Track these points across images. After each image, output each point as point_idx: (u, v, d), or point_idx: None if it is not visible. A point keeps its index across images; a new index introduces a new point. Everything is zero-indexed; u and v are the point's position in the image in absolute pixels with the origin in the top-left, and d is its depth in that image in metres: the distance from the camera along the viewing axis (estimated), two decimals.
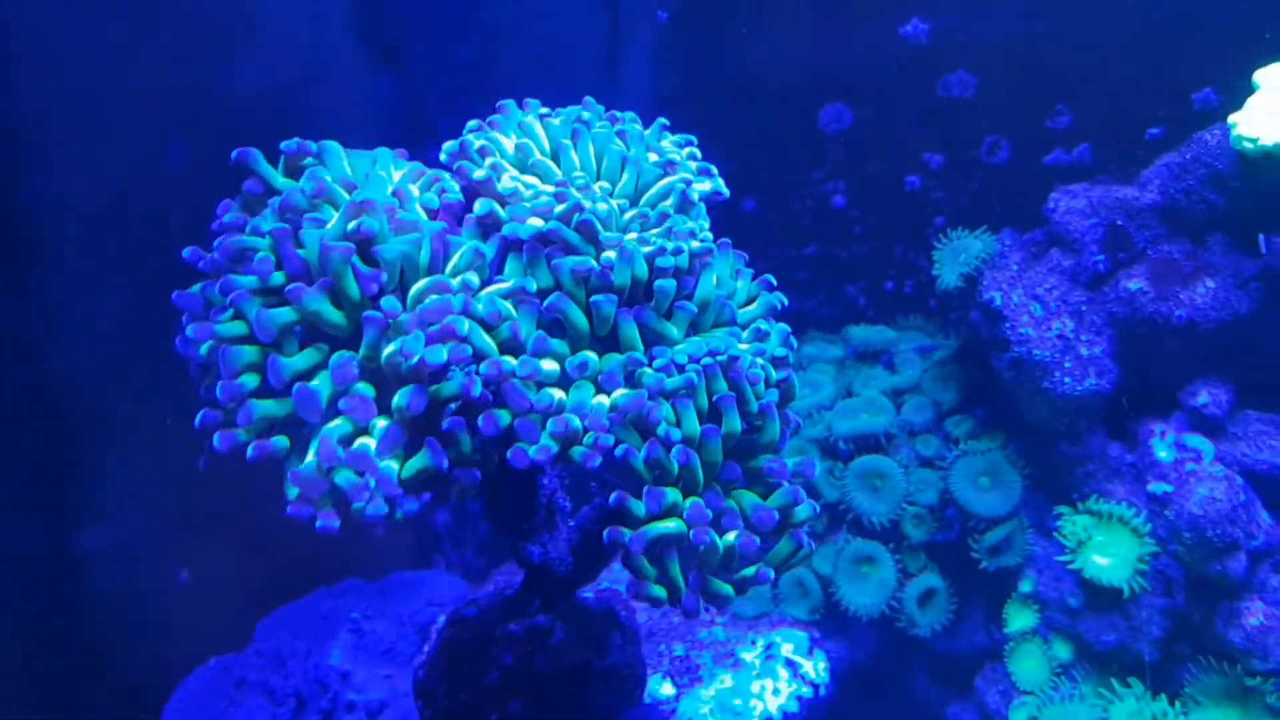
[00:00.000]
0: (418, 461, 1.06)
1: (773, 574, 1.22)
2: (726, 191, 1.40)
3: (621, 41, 2.61)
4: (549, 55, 2.88)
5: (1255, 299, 1.87)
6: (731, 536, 1.21)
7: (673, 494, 1.15)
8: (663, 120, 1.43)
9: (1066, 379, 1.89)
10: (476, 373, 1.07)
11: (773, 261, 2.59)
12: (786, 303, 1.38)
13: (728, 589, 1.23)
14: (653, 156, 1.33)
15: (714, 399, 1.19)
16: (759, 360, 1.25)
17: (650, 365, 1.19)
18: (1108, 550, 1.88)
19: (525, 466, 1.09)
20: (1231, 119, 1.80)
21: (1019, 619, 1.94)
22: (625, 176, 1.30)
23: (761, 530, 1.22)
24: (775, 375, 1.26)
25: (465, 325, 1.08)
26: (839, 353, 2.44)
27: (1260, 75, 1.82)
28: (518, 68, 2.93)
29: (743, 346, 1.26)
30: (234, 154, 1.21)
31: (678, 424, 1.16)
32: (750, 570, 1.23)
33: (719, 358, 1.20)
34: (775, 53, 2.44)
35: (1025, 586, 1.96)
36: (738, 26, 2.42)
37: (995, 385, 2.02)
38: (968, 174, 2.44)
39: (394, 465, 1.06)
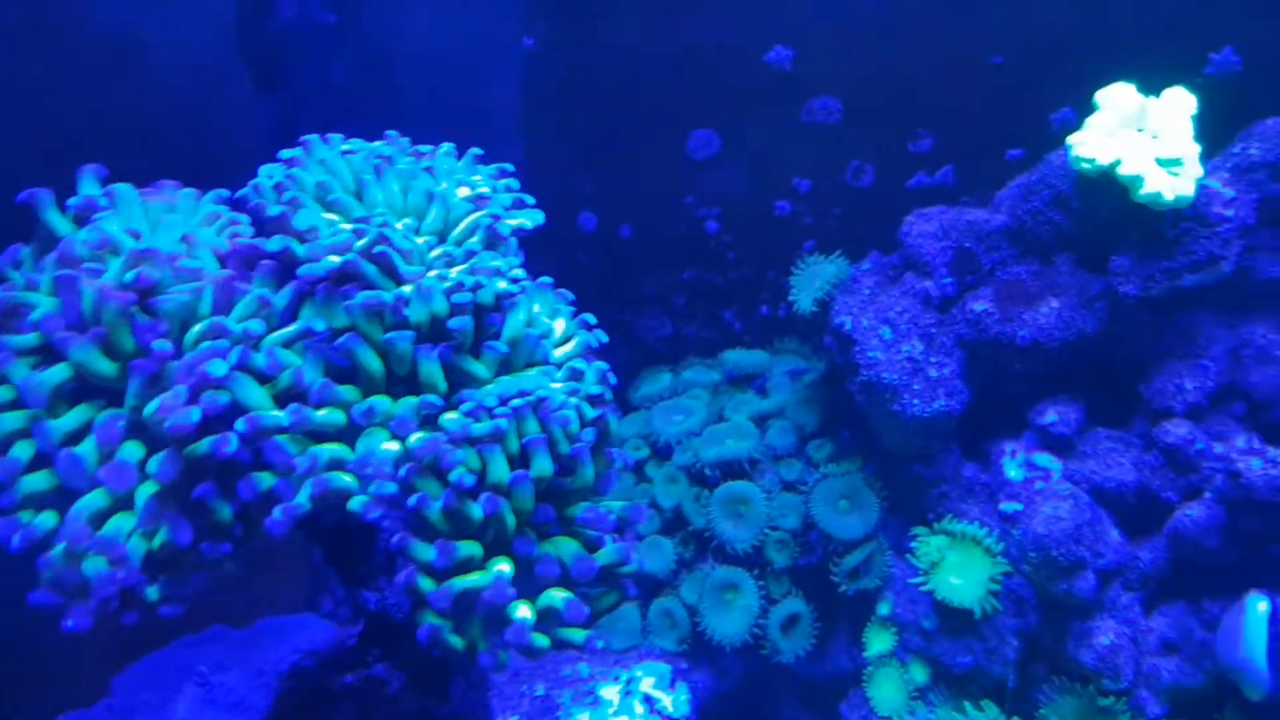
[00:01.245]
0: (161, 537, 1.01)
1: (591, 636, 1.20)
2: (541, 221, 1.38)
3: (492, 69, 2.59)
4: (428, 82, 2.85)
5: (1100, 318, 1.91)
6: (559, 598, 1.18)
7: (468, 547, 1.11)
8: (476, 150, 1.41)
9: (915, 401, 1.91)
10: (234, 429, 1.03)
11: (651, 288, 2.59)
12: (605, 340, 1.36)
13: (544, 642, 1.20)
14: (463, 191, 1.31)
15: (523, 441, 1.16)
16: (572, 400, 1.22)
17: (457, 408, 1.15)
18: (961, 571, 1.89)
19: (280, 533, 1.05)
20: (1070, 140, 1.84)
21: (878, 642, 1.95)
22: (432, 212, 1.27)
23: (582, 581, 1.20)
24: (591, 414, 1.24)
25: (223, 371, 1.03)
26: (716, 377, 2.44)
27: (1101, 96, 1.87)
28: (397, 95, 2.89)
29: (555, 386, 1.23)
30: (20, 195, 1.15)
31: (484, 470, 1.12)
32: (578, 635, 1.20)
33: (529, 398, 1.17)
34: (642, 79, 2.44)
35: (883, 609, 1.96)
36: (603, 54, 2.42)
37: (854, 408, 2.03)
38: (835, 198, 2.47)
39: (142, 544, 1.01)
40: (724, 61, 2.39)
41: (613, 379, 1.29)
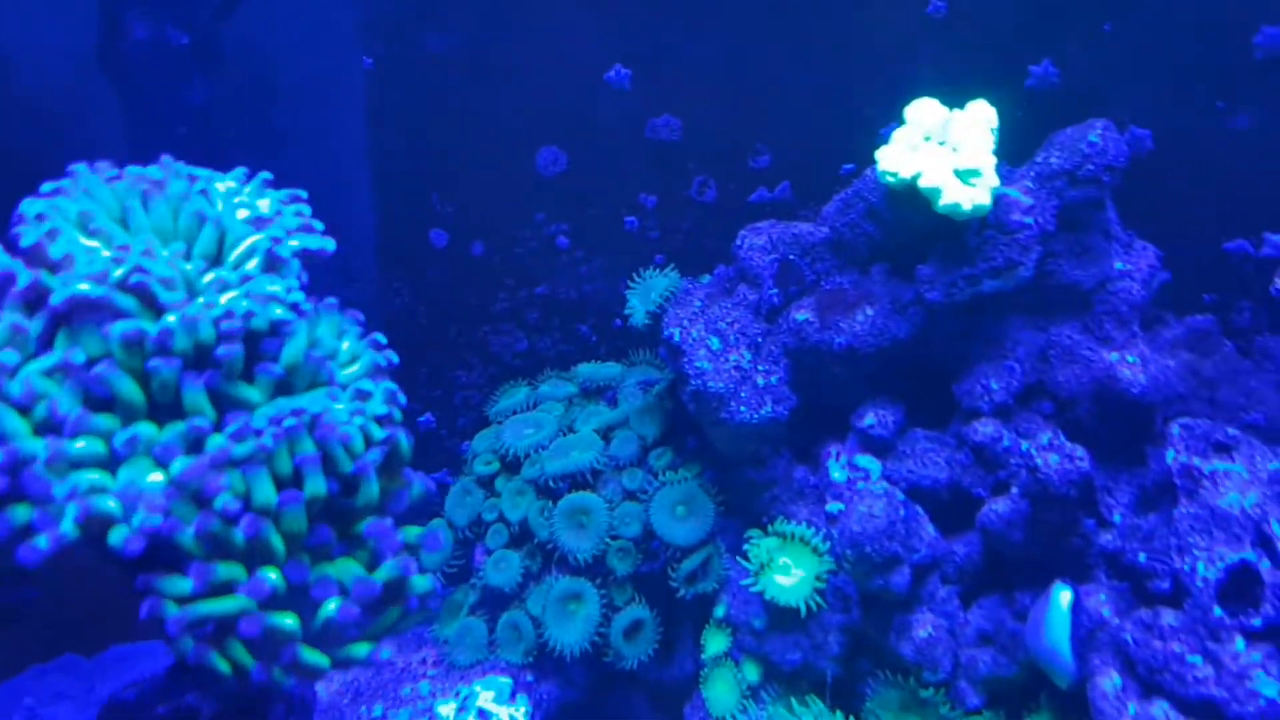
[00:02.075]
0: None
1: (374, 649, 1.21)
2: (330, 246, 1.38)
3: (343, 89, 2.58)
4: (285, 102, 2.82)
5: (914, 323, 1.99)
6: (332, 607, 1.19)
7: (228, 570, 1.11)
8: (265, 175, 1.40)
9: (743, 408, 1.97)
10: None
11: (504, 303, 2.60)
12: (395, 360, 1.37)
13: (322, 660, 1.21)
14: (243, 214, 1.31)
15: (295, 460, 1.16)
16: (356, 420, 1.24)
17: (221, 433, 1.15)
18: (791, 570, 1.95)
19: (34, 563, 1.04)
20: (877, 154, 1.92)
21: (714, 643, 1.99)
22: (204, 235, 1.27)
23: (363, 601, 1.20)
24: (379, 434, 1.25)
25: None
26: (573, 390, 2.46)
27: (908, 110, 1.95)
28: (257, 116, 2.86)
29: (339, 406, 1.24)
30: None
31: (248, 493, 1.13)
32: (361, 650, 1.21)
33: (303, 418, 1.18)
34: (487, 97, 2.46)
35: (719, 611, 2.01)
36: (441, 72, 2.44)
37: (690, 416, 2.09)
38: (681, 213, 2.52)
39: None
40: (566, 80, 2.43)
41: (402, 399, 1.30)
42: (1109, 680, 1.64)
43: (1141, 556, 1.72)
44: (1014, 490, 1.88)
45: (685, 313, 2.04)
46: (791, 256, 2.09)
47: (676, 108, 2.46)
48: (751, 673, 1.94)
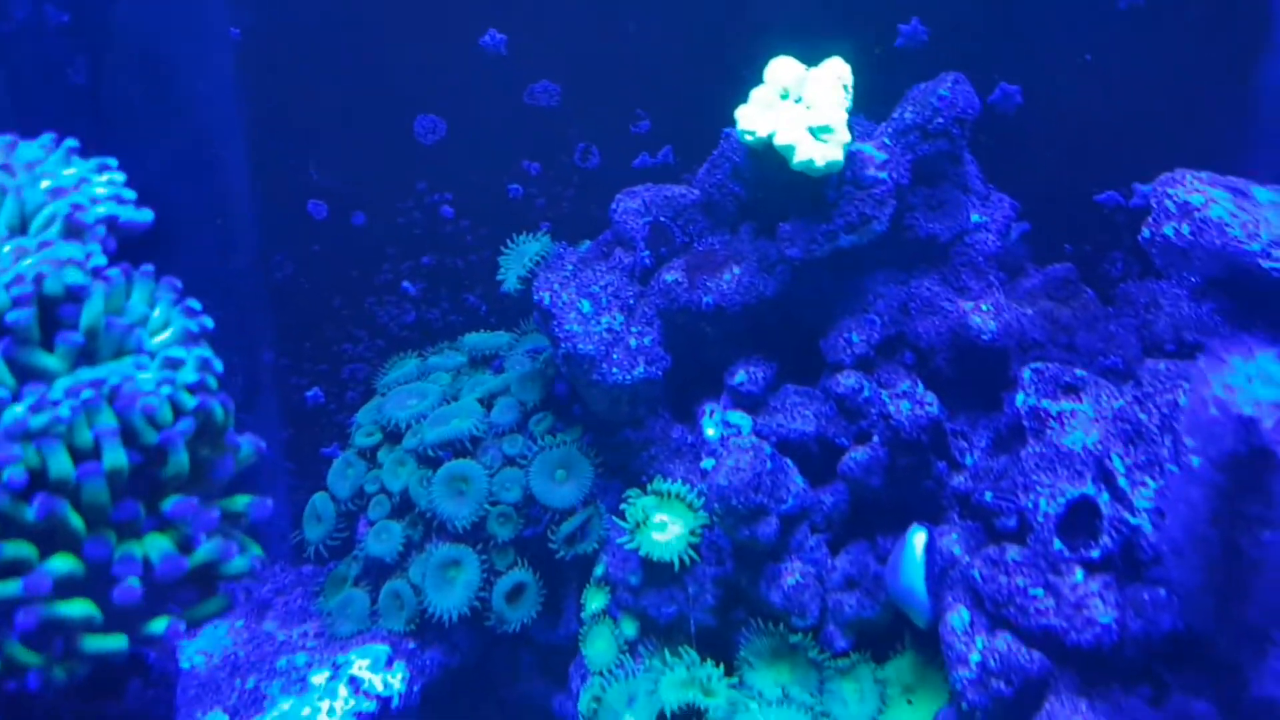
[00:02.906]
0: None
1: (184, 627, 1.20)
2: (146, 217, 1.35)
3: (205, 60, 2.53)
4: (164, 79, 2.75)
5: (781, 281, 2.02)
6: (130, 585, 1.17)
7: (14, 549, 1.09)
8: (71, 143, 1.37)
9: (614, 369, 1.98)
10: None
11: (389, 275, 2.58)
12: (210, 326, 1.35)
13: (116, 643, 1.18)
14: (46, 183, 1.28)
15: (94, 431, 1.15)
16: (164, 389, 1.22)
17: (19, 403, 1.13)
18: (667, 527, 1.98)
19: None
20: (736, 113, 1.93)
21: (594, 601, 2.02)
22: (6, 208, 1.24)
23: (168, 580, 1.19)
24: (190, 403, 1.24)
25: None
26: (462, 360, 2.46)
27: (767, 69, 1.97)
28: (134, 94, 2.78)
29: (146, 375, 1.22)
30: None
31: (43, 467, 1.11)
32: (159, 625, 1.19)
33: (101, 389, 1.16)
34: (361, 65, 2.43)
35: (599, 570, 2.04)
36: (313, 41, 2.40)
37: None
38: (566, 180, 2.52)
39: None
40: (441, 46, 2.40)
41: (218, 365, 1.28)
42: (958, 616, 1.70)
43: (989, 496, 1.78)
44: (875, 439, 1.92)
45: (556, 277, 2.05)
46: (663, 219, 2.10)
47: (554, 73, 2.45)
48: (629, 628, 1.97)
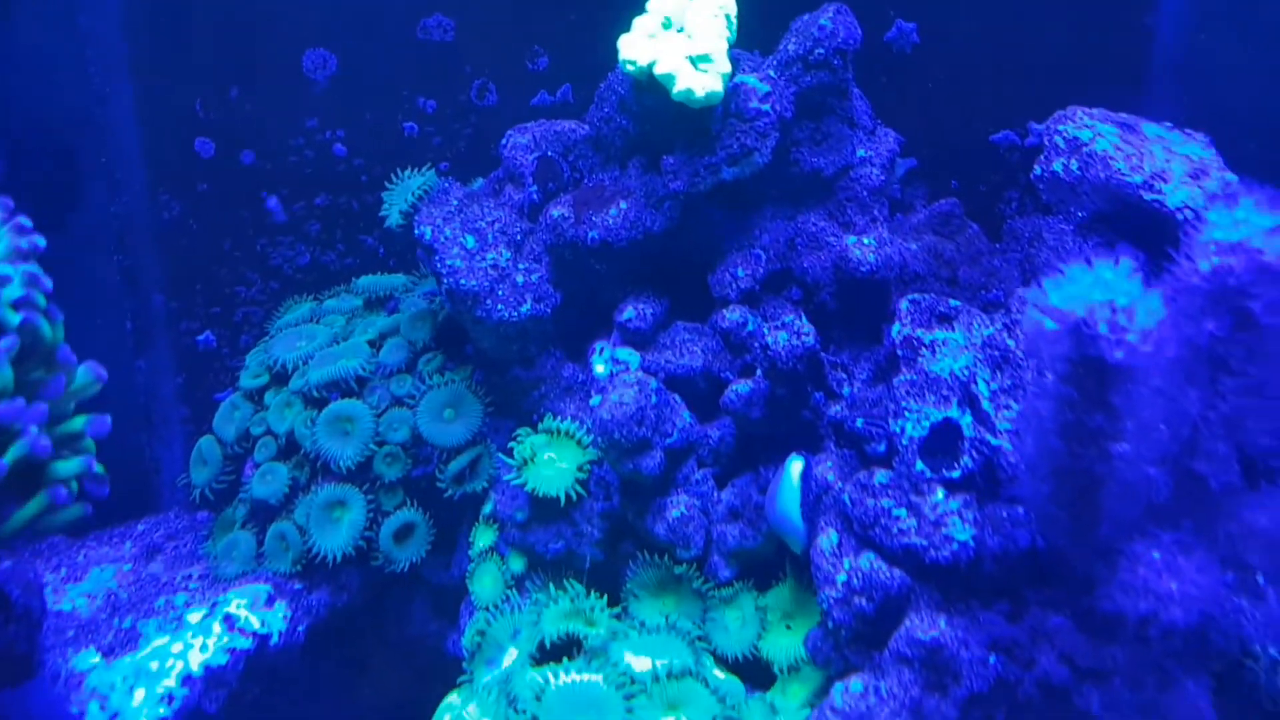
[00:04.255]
0: None
1: None
2: None
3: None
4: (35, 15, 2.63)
5: (669, 216, 2.01)
6: None
7: None
8: None
9: (499, 306, 1.97)
10: None
11: (282, 215, 2.53)
12: (42, 245, 1.31)
13: None
14: None
15: None
16: None
17: None
18: (556, 464, 1.98)
19: None
20: (619, 42, 1.91)
21: (482, 539, 2.02)
22: None
23: None
24: (14, 320, 1.20)
25: None
26: (358, 303, 2.42)
27: None
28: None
29: None
30: None
31: None
32: None
33: None
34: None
35: (487, 508, 2.04)
36: None
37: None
38: (462, 117, 2.48)
39: None
40: None
41: (47, 283, 1.25)
42: (827, 538, 1.73)
43: (859, 422, 1.81)
44: (758, 373, 1.94)
45: (440, 212, 2.01)
46: (552, 154, 2.08)
47: (448, 7, 2.40)
48: (516, 564, 1.98)
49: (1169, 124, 2.18)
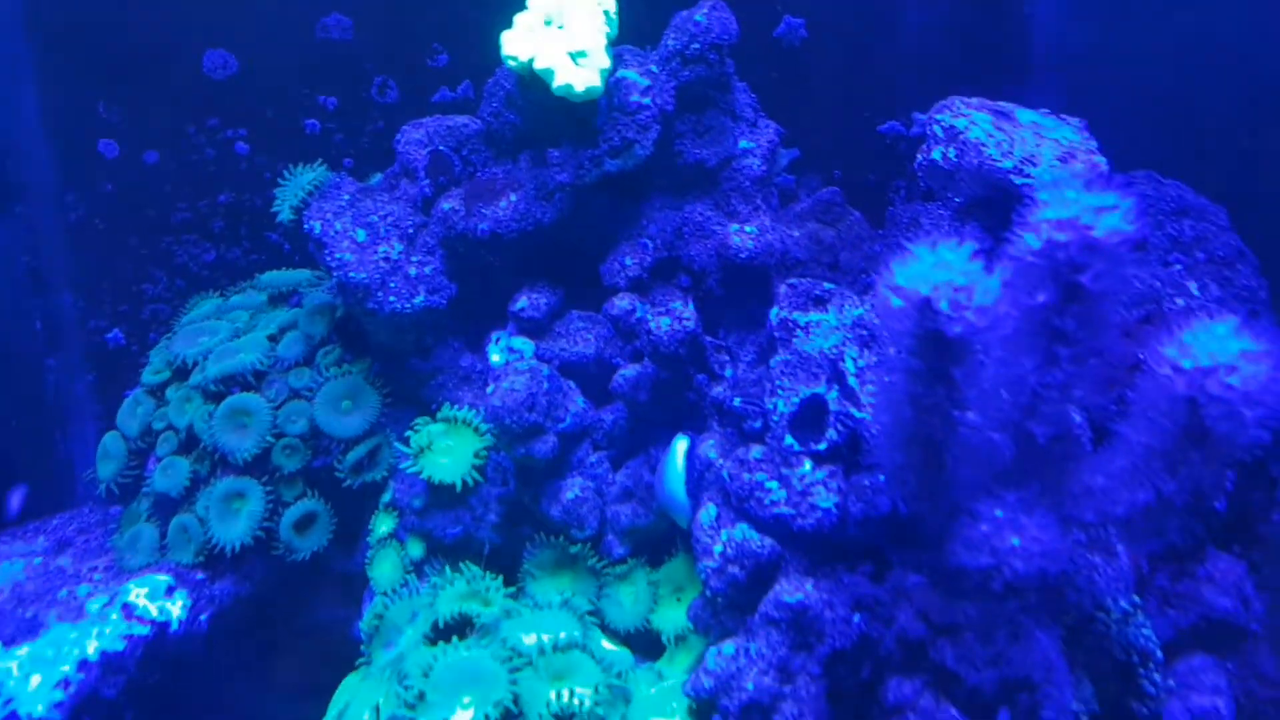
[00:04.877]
0: None
1: None
2: None
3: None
4: None
5: (559, 208, 2.07)
6: None
7: None
8: None
9: (391, 298, 2.02)
10: None
11: (186, 213, 2.55)
12: None
13: None
14: None
15: None
16: None
17: None
18: (453, 452, 2.03)
19: None
20: (502, 38, 1.96)
21: (382, 526, 2.07)
22: None
23: None
24: None
25: None
26: (263, 299, 2.45)
27: None
28: None
29: None
30: None
31: None
32: None
33: None
34: (149, 1, 2.37)
35: (386, 496, 2.08)
36: None
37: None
38: (364, 115, 2.52)
39: None
40: None
41: None
42: (707, 512, 1.80)
43: (737, 401, 1.88)
44: (646, 358, 2.01)
45: (331, 206, 2.06)
46: (443, 148, 2.13)
47: (346, 6, 2.44)
48: (415, 549, 2.03)
49: (1046, 110, 2.29)
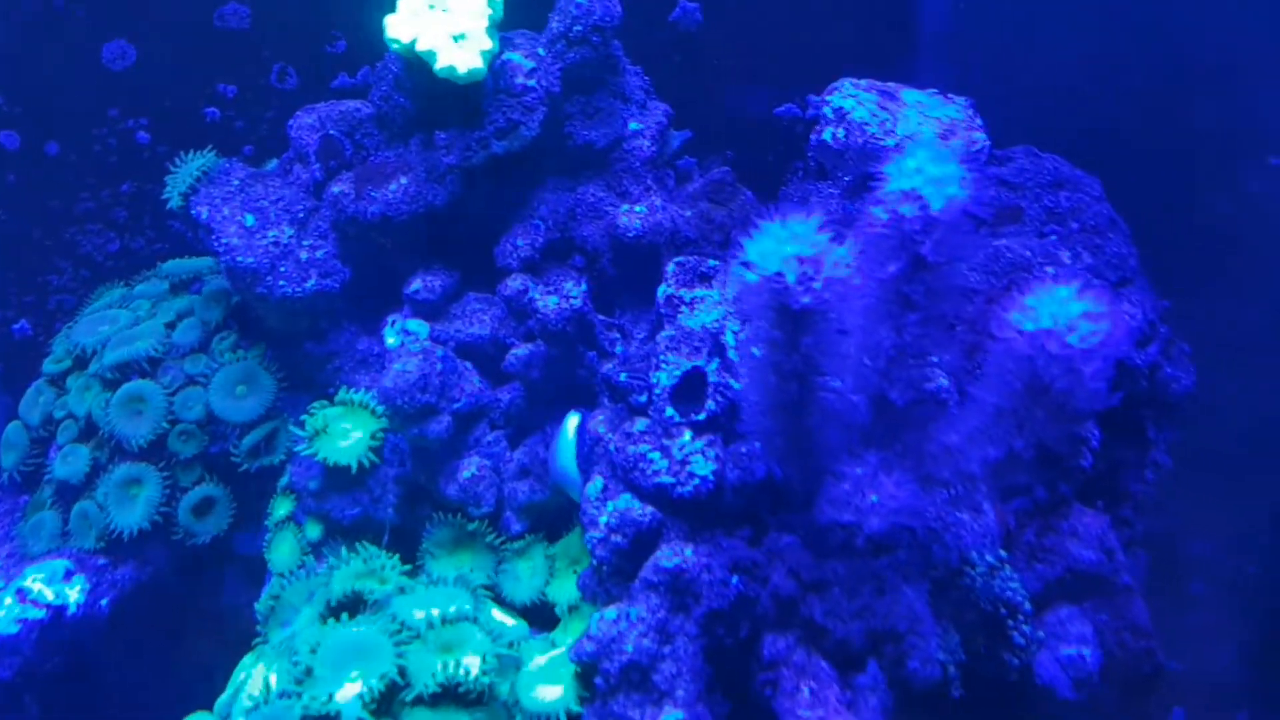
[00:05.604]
0: None
1: None
2: None
3: None
4: None
5: (450, 191, 2.10)
6: None
7: None
8: None
9: (281, 282, 2.04)
10: None
11: (89, 203, 2.54)
12: None
13: None
14: None
15: None
16: None
17: None
18: (350, 434, 2.06)
19: None
20: (386, 20, 1.98)
21: (280, 509, 2.09)
22: None
23: None
24: None
25: None
26: (166, 287, 2.45)
27: None
28: None
29: None
30: None
31: None
32: None
33: None
34: None
35: (284, 480, 2.11)
36: None
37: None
38: (264, 102, 2.53)
39: None
40: None
41: None
42: (594, 485, 1.85)
43: (623, 376, 1.93)
44: (538, 337, 2.05)
45: (219, 192, 2.07)
46: (334, 132, 2.15)
47: None
48: (313, 531, 2.05)
49: (934, 90, 2.36)
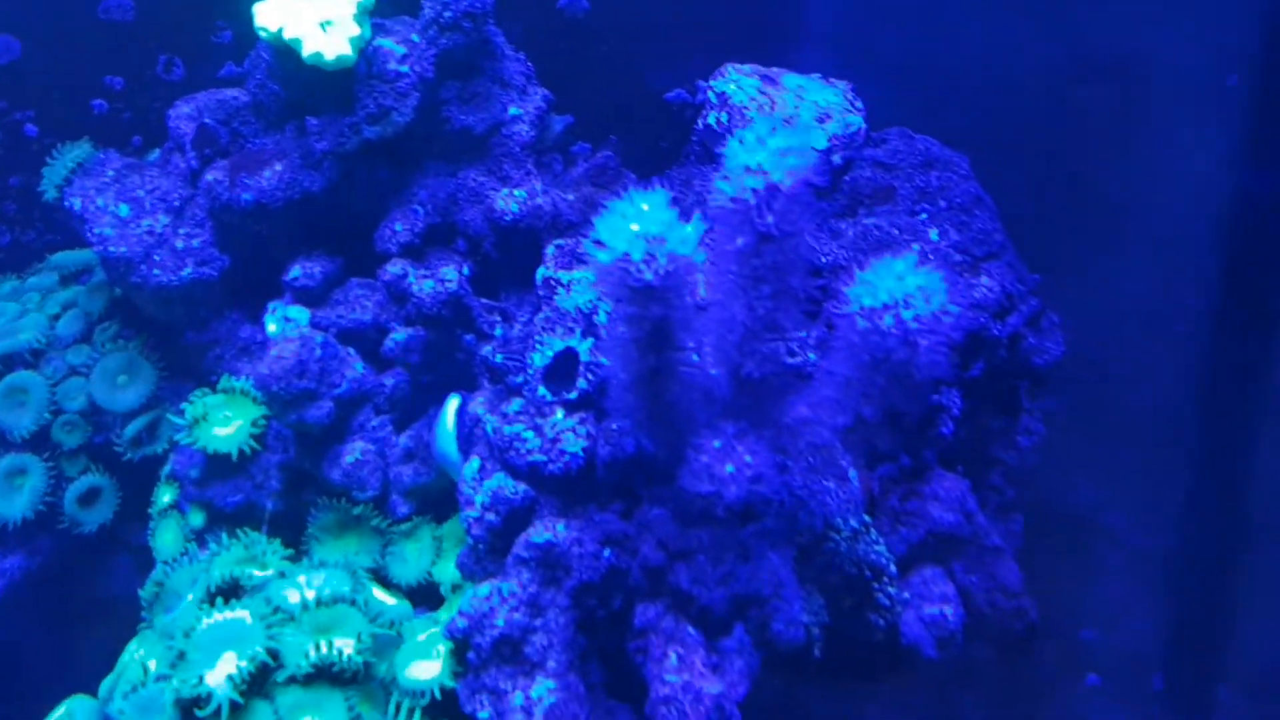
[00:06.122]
0: None
1: None
2: None
3: None
4: None
5: (328, 177, 2.11)
6: None
7: None
8: None
9: (156, 271, 2.04)
10: None
11: None
12: None
13: None
14: None
15: None
16: None
17: None
18: (231, 421, 2.07)
19: None
20: (254, 9, 1.99)
21: (163, 497, 2.09)
22: None
23: None
24: None
25: None
26: (56, 279, 2.43)
27: None
28: None
29: None
30: None
31: None
32: None
33: None
34: None
35: (167, 468, 2.11)
36: None
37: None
38: (151, 93, 2.51)
39: None
40: None
41: None
42: (470, 465, 1.88)
43: (499, 357, 1.96)
44: (416, 321, 2.07)
45: (93, 182, 2.06)
46: (211, 121, 2.15)
47: None
48: (196, 518, 2.06)
49: (817, 75, 2.41)
